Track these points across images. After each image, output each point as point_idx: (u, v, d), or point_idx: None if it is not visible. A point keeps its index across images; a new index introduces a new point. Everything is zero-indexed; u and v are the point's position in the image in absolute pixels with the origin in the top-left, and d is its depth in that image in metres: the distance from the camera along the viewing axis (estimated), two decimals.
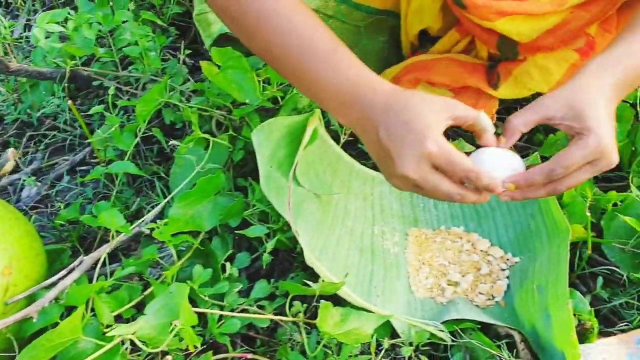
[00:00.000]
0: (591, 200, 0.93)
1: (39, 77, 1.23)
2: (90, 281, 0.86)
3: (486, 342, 0.83)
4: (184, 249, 0.92)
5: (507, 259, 0.97)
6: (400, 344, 0.84)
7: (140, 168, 1.07)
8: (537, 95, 1.05)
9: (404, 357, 0.82)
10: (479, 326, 0.86)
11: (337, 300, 0.85)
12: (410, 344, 0.83)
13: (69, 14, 1.21)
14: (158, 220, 0.89)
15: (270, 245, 0.88)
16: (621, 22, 0.95)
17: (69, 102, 1.00)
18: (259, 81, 0.96)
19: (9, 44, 1.33)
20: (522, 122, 0.73)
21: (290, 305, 0.84)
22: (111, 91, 1.07)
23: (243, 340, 0.88)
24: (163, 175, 1.09)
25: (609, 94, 0.72)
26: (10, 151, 1.20)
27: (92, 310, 0.78)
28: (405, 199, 1.05)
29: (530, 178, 0.71)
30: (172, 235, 0.87)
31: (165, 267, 0.90)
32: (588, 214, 0.88)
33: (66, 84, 1.20)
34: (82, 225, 1.03)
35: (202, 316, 0.86)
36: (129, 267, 0.85)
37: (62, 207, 1.01)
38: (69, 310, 0.79)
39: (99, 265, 0.86)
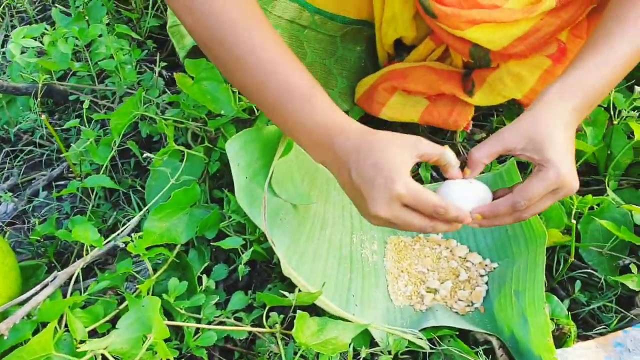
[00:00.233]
0: (568, 204, 0.94)
1: (15, 93, 1.23)
2: (65, 296, 0.85)
3: (464, 348, 0.83)
4: (160, 262, 0.91)
5: (486, 265, 0.97)
6: (379, 353, 0.83)
7: (117, 182, 1.07)
8: (512, 101, 1.06)
9: None
10: (457, 333, 0.85)
11: (316, 310, 0.84)
12: (389, 353, 0.82)
13: (45, 29, 1.21)
14: (134, 234, 0.89)
15: (245, 256, 0.87)
16: (591, 27, 0.96)
17: (43, 116, 1.00)
18: (233, 92, 0.96)
19: None
20: (484, 155, 0.76)
21: (267, 317, 0.83)
22: (86, 105, 1.06)
23: (221, 352, 0.87)
24: (140, 188, 1.08)
25: (568, 119, 0.75)
26: None
27: (67, 325, 0.77)
28: None
29: (495, 210, 0.75)
30: (148, 248, 0.86)
31: (141, 281, 0.89)
32: (573, 221, 0.88)
33: (41, 99, 1.19)
34: (59, 241, 1.03)
35: (179, 329, 0.86)
36: (103, 282, 0.84)
37: (36, 222, 1.00)
38: (44, 326, 0.78)
39: (72, 281, 0.85)
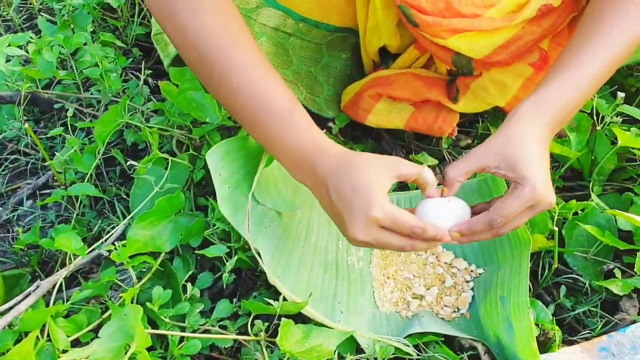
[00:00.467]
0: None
1: (0, 101, 1.22)
2: (48, 306, 0.84)
3: (450, 354, 0.83)
4: (144, 270, 0.90)
5: (472, 271, 0.97)
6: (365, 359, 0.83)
7: (102, 190, 1.06)
8: (497, 108, 1.06)
9: None
10: (443, 339, 0.85)
11: (302, 317, 0.84)
12: None
13: (30, 37, 1.20)
14: (117, 242, 0.88)
15: (230, 264, 0.87)
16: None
17: (26, 125, 0.99)
18: None
19: None
20: (459, 173, 0.77)
21: (253, 325, 0.83)
22: (70, 113, 1.06)
23: None
24: (125, 196, 1.07)
25: (541, 135, 0.75)
26: None
27: (49, 335, 0.77)
28: None
29: (473, 227, 0.76)
30: (132, 256, 0.86)
31: (125, 290, 0.88)
32: (556, 228, 0.88)
33: (27, 108, 1.19)
34: (44, 250, 1.02)
35: (163, 338, 0.85)
36: (87, 290, 0.84)
37: (20, 232, 0.99)
38: (27, 336, 0.77)
39: (55, 290, 0.84)
